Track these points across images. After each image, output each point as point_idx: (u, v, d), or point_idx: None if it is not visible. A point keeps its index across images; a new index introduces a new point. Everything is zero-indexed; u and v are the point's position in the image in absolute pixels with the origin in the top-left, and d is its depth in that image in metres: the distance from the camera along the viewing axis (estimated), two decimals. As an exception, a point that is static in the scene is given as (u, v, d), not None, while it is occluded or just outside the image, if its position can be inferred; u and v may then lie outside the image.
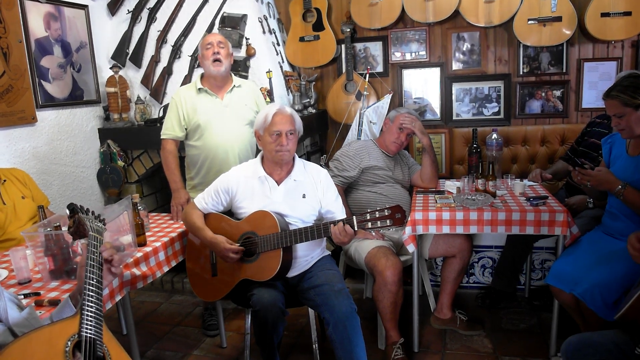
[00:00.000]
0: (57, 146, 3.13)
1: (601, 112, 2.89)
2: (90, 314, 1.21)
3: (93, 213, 1.47)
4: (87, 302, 1.23)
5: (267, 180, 2.16)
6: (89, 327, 1.19)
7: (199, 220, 2.20)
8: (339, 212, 2.20)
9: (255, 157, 2.27)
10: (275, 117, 2.09)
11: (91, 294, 1.25)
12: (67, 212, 1.47)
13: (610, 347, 1.57)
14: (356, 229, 1.93)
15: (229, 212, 2.26)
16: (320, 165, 2.33)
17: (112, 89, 3.31)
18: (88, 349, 1.16)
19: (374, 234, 2.55)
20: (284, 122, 2.09)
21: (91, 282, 1.27)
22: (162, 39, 3.38)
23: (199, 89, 2.61)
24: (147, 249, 2.11)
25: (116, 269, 1.45)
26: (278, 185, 2.16)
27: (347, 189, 2.81)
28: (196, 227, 2.19)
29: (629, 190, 2.01)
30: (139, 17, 3.42)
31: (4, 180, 2.37)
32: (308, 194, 2.18)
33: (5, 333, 1.18)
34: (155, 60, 3.40)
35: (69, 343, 1.15)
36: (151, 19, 3.40)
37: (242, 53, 3.28)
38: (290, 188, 2.17)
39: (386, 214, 1.88)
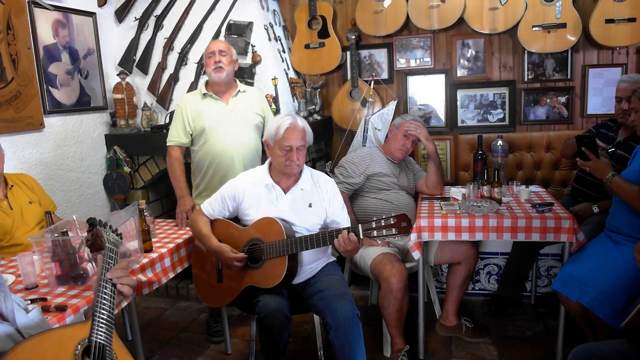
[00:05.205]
0: (64, 152, 3.15)
1: (607, 118, 2.88)
2: (102, 320, 1.23)
3: (111, 227, 1.49)
4: (99, 309, 1.25)
5: (274, 189, 2.16)
6: (100, 332, 1.21)
7: (205, 228, 2.20)
8: (344, 222, 2.20)
9: (262, 162, 2.27)
10: (287, 131, 2.06)
11: (104, 301, 1.27)
12: (87, 225, 1.50)
13: (615, 357, 1.56)
14: (361, 237, 1.91)
15: (235, 219, 2.27)
16: (326, 172, 2.33)
17: (119, 96, 3.34)
18: (97, 354, 1.18)
19: (379, 242, 2.55)
20: (296, 138, 2.07)
21: (105, 290, 1.29)
22: (168, 46, 3.41)
23: (204, 94, 2.63)
24: (153, 255, 2.12)
25: (122, 285, 1.35)
26: (285, 193, 2.16)
27: (352, 196, 2.81)
28: (202, 235, 2.19)
29: (614, 180, 2.10)
30: (146, 24, 3.46)
31: (12, 186, 2.39)
32: (314, 203, 2.18)
33: (15, 334, 1.19)
34: (161, 67, 3.43)
35: (79, 347, 1.17)
36: (158, 26, 3.43)
37: (247, 60, 3.30)
38: (297, 197, 2.17)
39: (392, 222, 1.86)
